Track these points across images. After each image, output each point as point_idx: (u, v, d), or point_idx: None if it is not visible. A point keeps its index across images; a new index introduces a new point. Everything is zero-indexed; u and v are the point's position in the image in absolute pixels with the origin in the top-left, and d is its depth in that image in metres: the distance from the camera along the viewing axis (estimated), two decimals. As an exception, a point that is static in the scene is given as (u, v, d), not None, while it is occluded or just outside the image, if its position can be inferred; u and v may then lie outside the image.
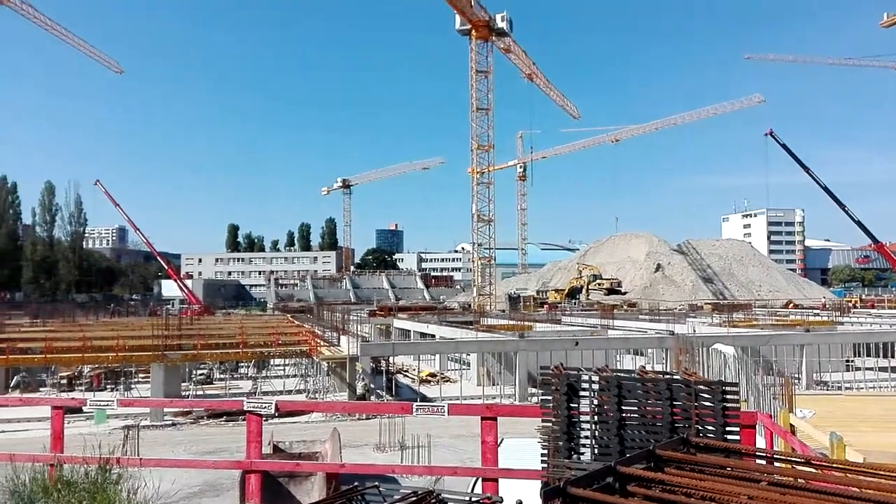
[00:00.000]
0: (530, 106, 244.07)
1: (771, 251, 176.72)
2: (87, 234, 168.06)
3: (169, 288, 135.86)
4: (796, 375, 32.43)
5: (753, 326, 46.76)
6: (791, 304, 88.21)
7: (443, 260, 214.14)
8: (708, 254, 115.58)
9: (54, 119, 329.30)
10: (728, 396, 6.90)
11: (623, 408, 7.09)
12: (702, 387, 6.99)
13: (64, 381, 40.15)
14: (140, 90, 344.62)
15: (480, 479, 8.61)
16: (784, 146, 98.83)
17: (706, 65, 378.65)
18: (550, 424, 7.32)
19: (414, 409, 8.91)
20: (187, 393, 37.90)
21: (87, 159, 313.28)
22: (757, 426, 8.81)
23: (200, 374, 43.67)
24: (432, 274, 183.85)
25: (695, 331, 39.14)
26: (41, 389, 39.96)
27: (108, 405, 10.77)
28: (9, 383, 38.78)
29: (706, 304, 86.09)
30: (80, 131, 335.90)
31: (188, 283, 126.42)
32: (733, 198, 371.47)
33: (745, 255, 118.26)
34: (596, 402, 7.19)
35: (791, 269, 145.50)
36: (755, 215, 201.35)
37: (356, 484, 10.93)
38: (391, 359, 41.60)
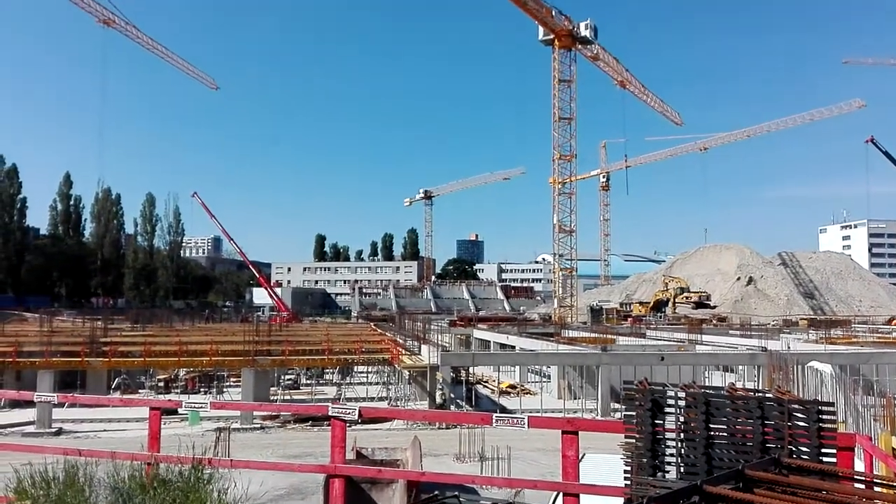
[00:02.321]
0: (622, 113, 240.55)
1: (872, 264, 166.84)
2: (184, 244, 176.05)
3: (260, 295, 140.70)
4: (901, 397, 30.47)
5: (853, 344, 44.40)
6: (894, 321, 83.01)
7: (523, 271, 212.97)
8: (804, 267, 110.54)
9: (155, 133, 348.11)
10: (824, 417, 6.57)
11: (711, 426, 6.86)
12: (796, 406, 6.69)
13: (161, 384, 42.15)
14: (232, 106, 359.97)
15: (561, 495, 8.49)
16: (886, 154, 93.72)
17: (801, 70, 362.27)
18: (634, 441, 7.16)
19: (494, 421, 8.88)
20: (275, 397, 39.05)
21: (186, 172, 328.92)
22: (855, 449, 8.33)
23: (288, 380, 44.92)
24: (512, 285, 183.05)
25: (789, 347, 37.51)
26: (140, 391, 42.09)
27: (201, 407, 11.21)
28: (111, 385, 41.01)
29: (802, 319, 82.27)
30: (180, 145, 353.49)
31: (278, 290, 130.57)
32: (831, 208, 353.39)
33: (845, 268, 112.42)
34: (682, 419, 6.99)
35: (894, 284, 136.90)
36: (855, 226, 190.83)
37: (436, 493, 10.91)
38: (471, 369, 41.63)
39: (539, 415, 24.65)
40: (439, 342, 41.41)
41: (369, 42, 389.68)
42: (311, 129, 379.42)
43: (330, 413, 9.09)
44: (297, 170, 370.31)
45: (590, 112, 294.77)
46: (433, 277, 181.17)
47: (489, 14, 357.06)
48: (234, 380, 42.38)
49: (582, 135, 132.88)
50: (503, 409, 34.76)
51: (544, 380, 45.49)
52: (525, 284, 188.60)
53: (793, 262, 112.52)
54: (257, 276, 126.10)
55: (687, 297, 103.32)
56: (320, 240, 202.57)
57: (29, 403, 31.80)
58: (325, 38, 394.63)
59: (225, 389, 41.08)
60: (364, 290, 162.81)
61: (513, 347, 50.18)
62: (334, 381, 46.43)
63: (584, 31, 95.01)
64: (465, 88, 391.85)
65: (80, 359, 35.06)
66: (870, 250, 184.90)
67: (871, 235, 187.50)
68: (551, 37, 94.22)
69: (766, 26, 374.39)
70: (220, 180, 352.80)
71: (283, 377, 44.48)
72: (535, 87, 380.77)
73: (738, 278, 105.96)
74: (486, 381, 46.26)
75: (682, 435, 6.95)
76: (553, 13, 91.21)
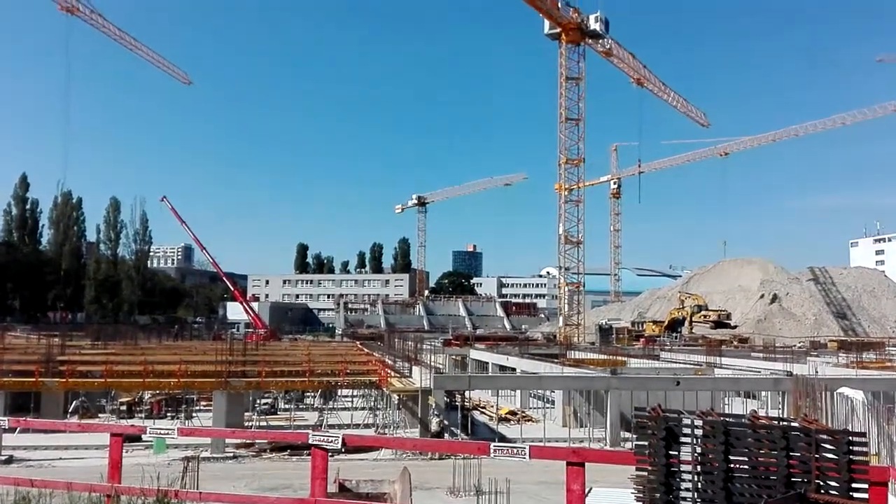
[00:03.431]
0: (638, 114, 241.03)
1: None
2: (151, 253, 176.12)
3: (234, 311, 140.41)
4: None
5: (887, 368, 44.47)
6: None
7: (525, 285, 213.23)
8: (833, 284, 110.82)
9: (121, 132, 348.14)
10: (855, 448, 6.58)
11: (731, 457, 6.86)
12: (824, 436, 6.69)
13: (124, 408, 41.95)
14: (208, 104, 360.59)
15: (565, 532, 8.45)
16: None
17: (832, 69, 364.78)
18: (646, 473, 7.15)
19: (491, 450, 8.85)
20: (250, 423, 38.90)
21: (154, 175, 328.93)
22: (890, 483, 8.33)
23: (264, 404, 44.77)
24: (513, 301, 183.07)
25: (817, 372, 37.57)
26: (100, 415, 41.86)
27: (168, 434, 11.17)
28: (67, 408, 40.78)
29: (831, 341, 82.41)
30: (147, 146, 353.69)
31: (254, 305, 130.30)
32: (863, 220, 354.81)
33: (878, 285, 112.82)
34: (699, 449, 6.98)
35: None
36: (890, 240, 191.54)
37: (427, 530, 10.85)
38: (467, 393, 41.56)
39: (542, 444, 24.59)
40: (432, 363, 41.35)
41: (355, 37, 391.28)
42: (293, 130, 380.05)
43: (310, 441, 9.06)
44: (277, 174, 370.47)
45: (600, 113, 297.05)
46: (426, 292, 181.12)
47: (489, 4, 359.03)
48: (205, 404, 42.21)
49: (591, 138, 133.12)
50: (502, 438, 34.70)
51: (548, 406, 45.42)
52: (527, 300, 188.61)
53: (825, 277, 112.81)
54: (232, 289, 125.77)
55: (705, 316, 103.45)
56: (302, 250, 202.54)
57: (-24, 428, 31.60)
58: (307, 33, 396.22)
59: (194, 414, 40.91)
60: (350, 306, 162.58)
61: (513, 370, 50.13)
62: (316, 405, 46.27)
63: (594, 25, 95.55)
64: (463, 86, 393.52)
65: (33, 379, 34.88)
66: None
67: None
68: (558, 30, 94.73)
69: (791, 21, 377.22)
70: (193, 184, 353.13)
71: (259, 401, 44.33)
72: (540, 85, 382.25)
73: (762, 296, 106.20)
74: (483, 407, 46.17)
75: (698, 468, 6.95)
76: (559, 4, 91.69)
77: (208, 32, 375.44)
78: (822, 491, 6.35)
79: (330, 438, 9.06)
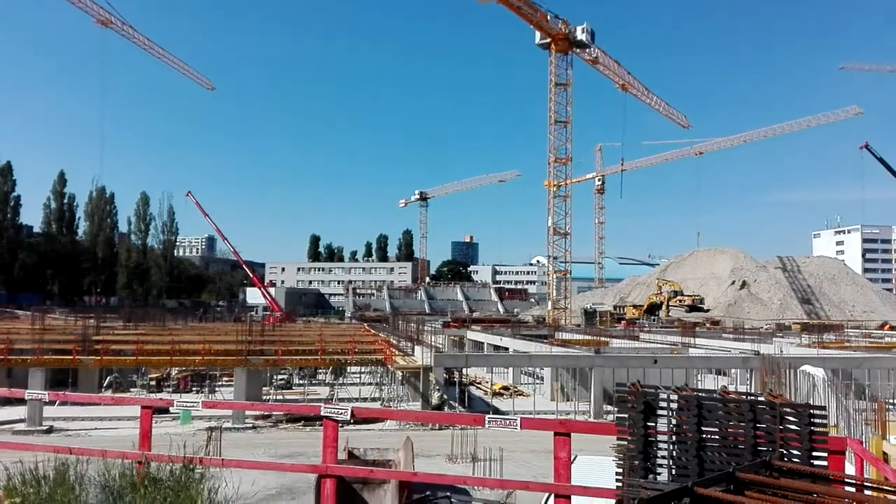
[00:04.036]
0: (622, 117, 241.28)
1: (866, 270, 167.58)
2: (178, 243, 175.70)
3: (253, 295, 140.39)
4: (891, 401, 30.56)
5: (845, 348, 44.48)
6: (887, 326, 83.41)
7: (517, 273, 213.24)
8: (800, 271, 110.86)
9: (150, 133, 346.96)
10: (816, 420, 6.59)
11: (703, 428, 6.87)
12: (788, 409, 6.70)
13: (153, 383, 42.02)
14: (228, 106, 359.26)
15: (553, 496, 8.48)
16: (881, 160, 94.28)
17: (797, 76, 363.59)
18: (626, 443, 7.16)
19: (486, 422, 8.87)
20: (268, 397, 38.96)
21: (181, 172, 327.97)
22: (847, 453, 8.36)
23: (281, 380, 44.84)
24: (506, 287, 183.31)
25: (782, 351, 37.57)
26: (132, 390, 41.95)
27: (193, 406, 11.19)
28: (102, 383, 40.85)
29: (795, 323, 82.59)
30: (175, 145, 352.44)
31: (271, 291, 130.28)
32: (825, 214, 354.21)
33: (838, 273, 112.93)
34: (674, 421, 7.00)
35: (888, 290, 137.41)
36: (849, 232, 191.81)
37: (428, 493, 10.94)
38: (464, 370, 41.59)
39: (532, 416, 24.66)
40: (433, 343, 41.38)
41: (366, 44, 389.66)
42: (307, 130, 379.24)
43: (322, 413, 9.08)
44: (292, 170, 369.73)
45: (586, 115, 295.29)
46: (427, 279, 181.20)
47: (485, 17, 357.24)
48: (227, 379, 42.26)
49: (578, 138, 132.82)
50: (496, 411, 34.75)
51: (537, 381, 45.48)
52: (519, 286, 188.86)
53: (792, 265, 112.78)
54: (251, 275, 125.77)
55: (681, 301, 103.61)
56: (314, 240, 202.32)
57: (20, 401, 31.61)
58: (321, 39, 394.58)
59: (217, 389, 40.99)
60: (358, 291, 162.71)
61: (506, 349, 50.15)
62: (327, 381, 46.33)
63: (581, 35, 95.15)
64: (462, 91, 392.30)
65: (71, 357, 34.90)
66: (863, 255, 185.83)
67: (864, 241, 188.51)
68: (548, 41, 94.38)
69: (762, 31, 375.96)
70: (215, 180, 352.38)
71: (275, 377, 44.39)
72: (531, 91, 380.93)
73: (732, 282, 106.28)
74: (479, 383, 46.25)
75: (674, 437, 6.96)
76: (548, 17, 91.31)
77: (227, 39, 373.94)
78: (786, 459, 6.37)
79: (340, 411, 9.07)
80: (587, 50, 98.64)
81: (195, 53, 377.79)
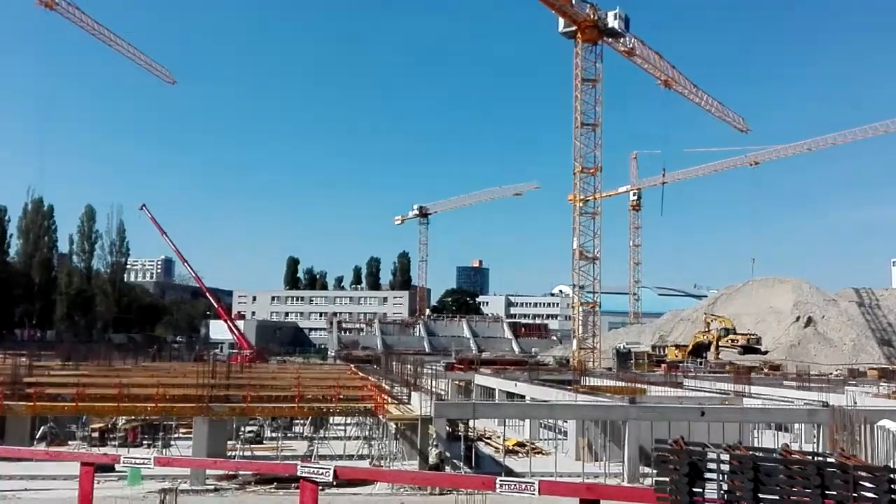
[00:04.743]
0: (664, 119, 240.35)
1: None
2: (129, 266, 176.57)
3: (218, 329, 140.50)
4: None
5: (933, 400, 44.24)
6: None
7: (535, 305, 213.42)
8: (879, 306, 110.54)
9: (99, 135, 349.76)
10: (898, 487, 6.55)
11: (760, 496, 6.83)
12: (863, 473, 6.66)
13: (96, 435, 41.89)
14: (191, 106, 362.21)
15: (578, 576, 8.41)
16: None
17: (874, 73, 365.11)
18: (667, 512, 7.11)
19: (497, 486, 8.83)
20: (234, 453, 38.80)
21: (134, 183, 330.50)
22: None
23: (249, 432, 44.70)
24: (522, 322, 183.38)
25: (856, 402, 37.34)
26: (70, 443, 41.79)
27: (143, 463, 11.15)
28: (34, 434, 40.71)
29: (871, 368, 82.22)
30: (126, 151, 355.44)
31: (240, 324, 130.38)
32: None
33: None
34: (726, 486, 6.96)
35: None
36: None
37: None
38: (471, 422, 41.46)
39: (553, 479, 24.52)
40: (433, 389, 41.22)
41: (349, 35, 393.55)
42: (283, 135, 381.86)
43: (299, 473, 9.04)
44: (266, 182, 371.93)
45: (620, 118, 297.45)
46: (427, 311, 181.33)
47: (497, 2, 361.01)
48: (185, 431, 42.14)
49: (609, 144, 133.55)
50: (509, 472, 34.55)
51: (560, 437, 45.26)
52: (538, 321, 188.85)
53: (869, 298, 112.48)
54: (215, 305, 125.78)
55: (733, 341, 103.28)
56: (292, 264, 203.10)
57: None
58: (298, 31, 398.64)
59: (173, 442, 40.83)
60: (344, 325, 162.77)
61: (522, 397, 49.99)
62: (305, 434, 46.20)
63: (613, 22, 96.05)
64: (470, 86, 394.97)
65: (-2, 402, 34.84)
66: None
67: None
68: (573, 28, 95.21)
69: (830, 21, 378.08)
70: (175, 192, 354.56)
71: (243, 429, 44.27)
72: (554, 87, 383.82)
73: (796, 318, 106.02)
74: (488, 438, 46.03)
75: (725, 506, 6.91)
76: (573, 1, 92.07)
77: (195, 31, 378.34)
78: (862, 534, 6.31)
79: (320, 470, 9.04)
80: (621, 39, 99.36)
81: (157, 47, 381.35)
